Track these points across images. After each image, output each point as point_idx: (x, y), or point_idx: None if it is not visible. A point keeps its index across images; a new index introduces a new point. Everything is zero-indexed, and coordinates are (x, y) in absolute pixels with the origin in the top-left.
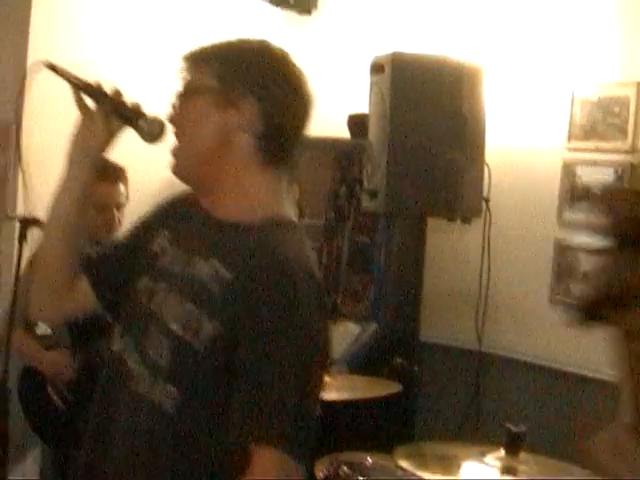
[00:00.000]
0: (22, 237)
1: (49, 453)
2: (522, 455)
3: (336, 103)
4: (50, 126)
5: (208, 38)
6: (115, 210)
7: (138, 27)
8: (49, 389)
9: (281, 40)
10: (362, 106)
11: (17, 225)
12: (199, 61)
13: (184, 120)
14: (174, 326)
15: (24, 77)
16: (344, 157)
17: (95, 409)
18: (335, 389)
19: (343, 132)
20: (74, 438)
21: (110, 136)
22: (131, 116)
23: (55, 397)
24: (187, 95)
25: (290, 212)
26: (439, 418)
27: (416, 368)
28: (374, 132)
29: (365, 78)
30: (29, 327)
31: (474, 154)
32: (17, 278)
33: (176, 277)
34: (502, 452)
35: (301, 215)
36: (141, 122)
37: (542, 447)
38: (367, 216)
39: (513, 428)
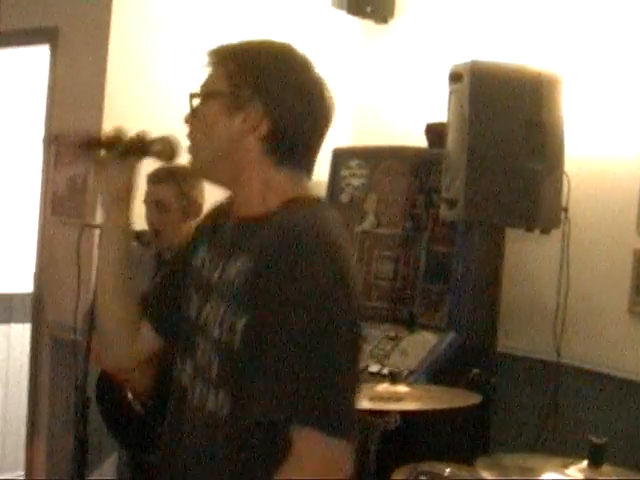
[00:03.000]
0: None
1: (126, 457)
2: (605, 467)
3: (414, 112)
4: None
5: None
6: (156, 210)
7: (214, 38)
8: (128, 394)
9: (358, 49)
10: (440, 115)
11: (96, 233)
12: (218, 60)
13: (197, 124)
14: (215, 332)
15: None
16: (422, 166)
17: (166, 427)
18: (413, 399)
19: (421, 141)
20: (153, 443)
21: (131, 174)
22: (141, 147)
23: (134, 402)
24: (202, 97)
25: (309, 190)
26: (516, 429)
27: (493, 379)
28: (452, 141)
29: (443, 87)
30: None
31: (553, 163)
32: (96, 287)
33: (215, 286)
34: (585, 464)
35: (379, 224)
36: (153, 148)
37: (620, 459)
38: (445, 226)
39: (595, 439)
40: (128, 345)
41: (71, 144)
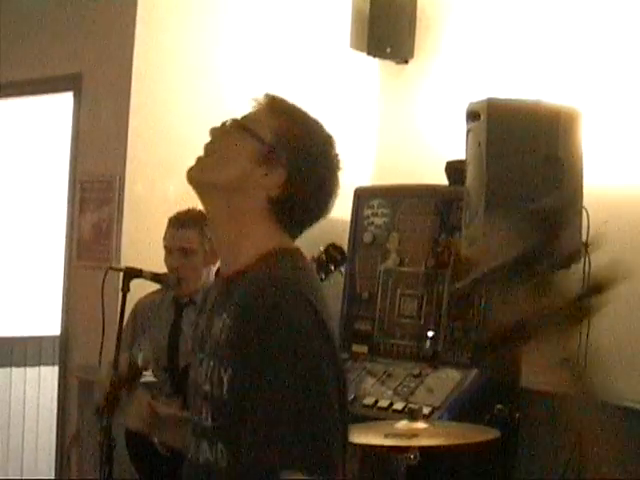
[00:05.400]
0: (125, 288)
1: None
2: None
3: (434, 150)
4: (152, 178)
5: (305, 89)
6: (180, 255)
7: (233, 82)
8: (154, 438)
9: (378, 89)
10: (460, 152)
11: (120, 276)
12: (272, 109)
13: (223, 144)
14: (206, 386)
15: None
16: (443, 204)
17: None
18: (430, 436)
19: (441, 179)
20: None
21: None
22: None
23: (159, 445)
24: (242, 127)
25: (288, 242)
26: (541, 465)
27: (517, 415)
28: (471, 178)
29: (463, 124)
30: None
31: (571, 198)
32: (120, 328)
33: (206, 344)
34: None
35: (401, 263)
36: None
37: None
38: (467, 263)
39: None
40: None
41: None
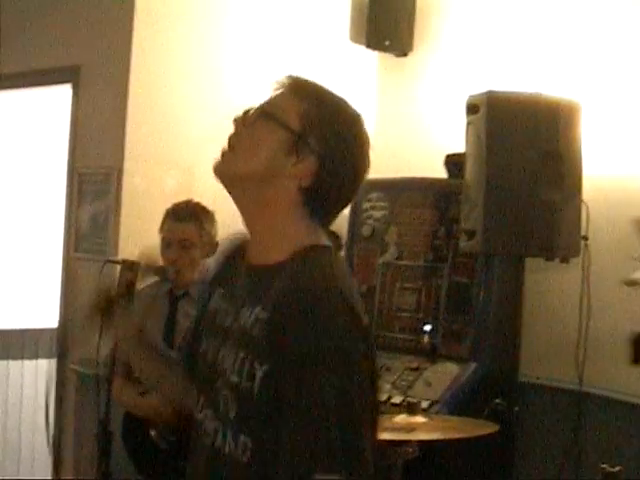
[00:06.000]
0: None
1: None
2: None
3: (433, 143)
4: (150, 171)
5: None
6: (186, 248)
7: (231, 74)
8: (151, 432)
9: (377, 82)
10: (459, 146)
11: (117, 268)
12: (296, 92)
13: (249, 134)
14: (233, 377)
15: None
16: (442, 197)
17: (188, 467)
18: (429, 430)
19: (441, 172)
20: (177, 478)
21: (134, 314)
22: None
23: (157, 439)
24: (267, 116)
25: (322, 238)
26: (539, 459)
27: (516, 408)
28: (471, 172)
29: (463, 117)
30: (129, 372)
31: (571, 192)
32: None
33: (230, 331)
34: None
35: (400, 256)
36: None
37: None
38: (465, 256)
39: (609, 468)
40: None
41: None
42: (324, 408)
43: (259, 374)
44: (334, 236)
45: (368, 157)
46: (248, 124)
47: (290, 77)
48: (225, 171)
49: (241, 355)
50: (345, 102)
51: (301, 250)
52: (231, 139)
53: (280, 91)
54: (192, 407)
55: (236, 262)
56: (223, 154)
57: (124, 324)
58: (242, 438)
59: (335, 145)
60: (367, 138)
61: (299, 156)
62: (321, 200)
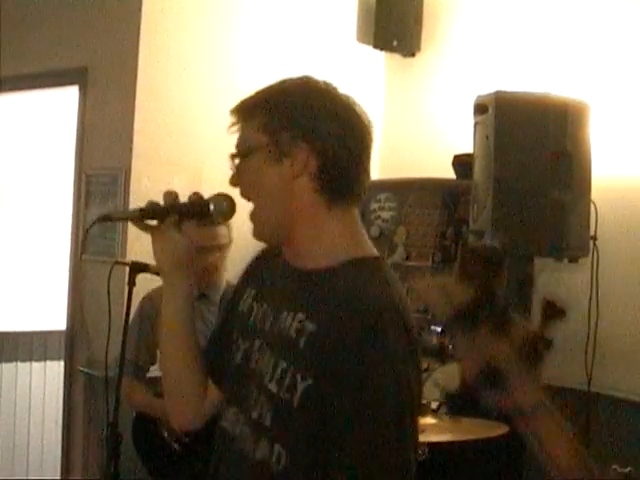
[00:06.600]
0: (131, 282)
1: None
2: None
3: (441, 144)
4: (157, 172)
5: None
6: (217, 252)
7: (239, 76)
8: (164, 433)
9: (385, 83)
10: (467, 146)
11: (126, 270)
12: (246, 115)
13: (246, 182)
14: (271, 386)
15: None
16: (450, 198)
17: (210, 470)
18: (439, 431)
19: (449, 173)
20: (192, 479)
21: (188, 239)
22: (197, 210)
23: (171, 440)
24: (242, 155)
25: (370, 247)
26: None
27: None
28: (479, 172)
29: (471, 118)
30: (139, 372)
31: (580, 192)
32: (126, 323)
33: (267, 334)
34: None
35: (408, 256)
36: (209, 209)
37: None
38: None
39: (619, 469)
40: (197, 404)
41: (124, 219)
42: (375, 432)
43: (301, 387)
44: None
45: (358, 113)
46: (239, 175)
47: (231, 110)
48: (264, 233)
49: (282, 365)
50: (305, 80)
51: (353, 260)
52: (243, 197)
53: (234, 130)
54: (219, 408)
55: (270, 263)
56: (250, 217)
57: (175, 243)
58: (277, 447)
59: (311, 120)
60: (345, 97)
61: (288, 156)
62: (336, 173)
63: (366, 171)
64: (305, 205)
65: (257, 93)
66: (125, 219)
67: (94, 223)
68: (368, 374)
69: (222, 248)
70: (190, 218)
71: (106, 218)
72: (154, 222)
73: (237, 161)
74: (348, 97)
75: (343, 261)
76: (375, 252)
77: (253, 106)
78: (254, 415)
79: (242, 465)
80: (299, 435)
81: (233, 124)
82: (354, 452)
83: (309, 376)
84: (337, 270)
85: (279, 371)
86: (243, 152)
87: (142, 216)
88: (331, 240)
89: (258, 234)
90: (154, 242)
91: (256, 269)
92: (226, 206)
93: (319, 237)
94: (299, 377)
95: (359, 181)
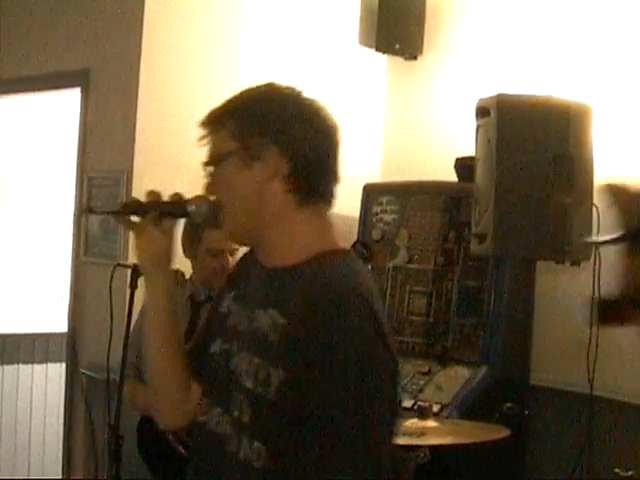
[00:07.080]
0: (133, 284)
1: None
2: None
3: (443, 147)
4: (159, 174)
5: (313, 85)
6: (228, 255)
7: (240, 78)
8: (169, 435)
9: (387, 86)
10: (470, 149)
11: (128, 272)
12: (215, 125)
13: (219, 188)
14: (248, 383)
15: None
16: (452, 201)
17: (189, 471)
18: (440, 434)
19: (451, 176)
20: None
21: (168, 237)
22: (175, 209)
23: (175, 442)
24: (214, 163)
25: (337, 242)
26: (550, 462)
27: (527, 412)
28: (481, 175)
29: (472, 120)
30: (142, 375)
31: (582, 195)
32: (128, 326)
33: (243, 334)
34: None
35: (410, 259)
36: (189, 209)
37: None
38: (476, 260)
39: (621, 472)
40: (182, 403)
41: (106, 213)
42: (348, 416)
43: (275, 381)
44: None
45: (324, 114)
46: (212, 183)
47: (200, 123)
48: (236, 234)
49: (256, 360)
50: (268, 86)
51: (319, 254)
52: (208, 190)
53: (205, 142)
54: (198, 409)
55: (248, 264)
56: (225, 226)
57: (156, 240)
58: (256, 444)
59: (280, 123)
60: (311, 100)
61: (259, 160)
62: (307, 173)
63: (334, 171)
64: (276, 206)
65: (224, 103)
66: (107, 213)
67: (79, 215)
68: (334, 357)
69: (233, 252)
70: (168, 217)
71: (89, 210)
72: (137, 219)
73: (210, 169)
74: (313, 101)
75: (309, 256)
76: (343, 246)
77: (222, 116)
78: (235, 414)
79: (224, 464)
80: (276, 429)
81: (203, 137)
82: (322, 433)
83: (282, 368)
84: (304, 265)
85: (253, 367)
86: (215, 159)
87: (123, 211)
88: (300, 239)
89: (230, 235)
90: (135, 238)
91: (239, 271)
92: (207, 208)
93: (289, 237)
94: (272, 370)
95: (328, 181)
